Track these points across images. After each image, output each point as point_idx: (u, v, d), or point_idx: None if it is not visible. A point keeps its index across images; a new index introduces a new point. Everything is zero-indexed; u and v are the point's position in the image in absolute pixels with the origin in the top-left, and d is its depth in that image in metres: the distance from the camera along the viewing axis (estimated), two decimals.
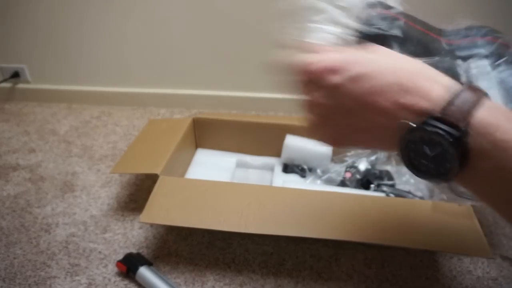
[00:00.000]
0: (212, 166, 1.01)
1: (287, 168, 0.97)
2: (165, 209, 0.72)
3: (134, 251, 0.79)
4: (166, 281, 0.69)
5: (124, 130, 1.24)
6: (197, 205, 0.73)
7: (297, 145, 0.95)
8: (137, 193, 0.96)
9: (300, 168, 0.96)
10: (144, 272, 0.71)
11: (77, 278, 0.74)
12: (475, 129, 0.27)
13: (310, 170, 0.95)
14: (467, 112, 0.27)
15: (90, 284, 0.73)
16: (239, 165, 1.03)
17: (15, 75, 1.36)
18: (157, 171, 0.79)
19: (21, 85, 1.40)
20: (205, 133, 1.04)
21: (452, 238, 0.67)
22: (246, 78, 1.29)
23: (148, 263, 0.73)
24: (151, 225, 0.86)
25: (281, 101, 1.31)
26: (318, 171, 0.94)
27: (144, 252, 0.79)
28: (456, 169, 0.28)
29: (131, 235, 0.83)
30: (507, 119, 0.27)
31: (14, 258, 0.78)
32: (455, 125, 0.27)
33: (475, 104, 0.27)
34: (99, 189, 0.97)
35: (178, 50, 1.25)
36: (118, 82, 1.36)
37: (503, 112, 0.27)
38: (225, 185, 0.81)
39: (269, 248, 0.80)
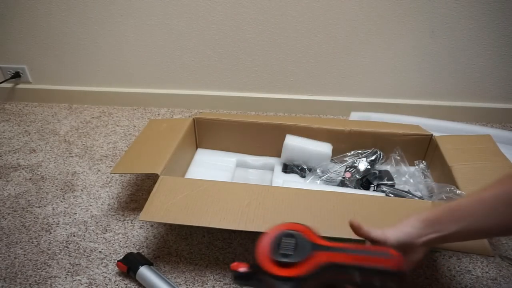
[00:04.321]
0: (212, 166, 1.01)
1: (287, 168, 0.97)
2: (165, 207, 0.72)
3: (134, 251, 0.79)
4: (166, 281, 0.70)
5: (125, 130, 1.24)
6: (196, 204, 0.73)
7: (297, 145, 0.95)
8: (138, 193, 0.96)
9: (300, 168, 0.96)
10: (145, 271, 0.71)
11: (78, 277, 0.74)
12: None
13: (310, 170, 0.96)
14: None
15: (90, 283, 0.73)
16: (239, 165, 1.03)
17: (16, 75, 1.37)
18: (157, 171, 0.80)
19: (22, 85, 1.40)
20: (206, 133, 1.04)
21: None
22: (246, 78, 1.29)
23: (149, 263, 0.74)
24: (152, 225, 0.86)
25: (281, 101, 1.31)
26: (318, 171, 0.94)
27: (145, 252, 0.79)
28: None
29: (131, 235, 0.84)
30: None
31: (15, 257, 0.79)
32: None
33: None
34: (99, 189, 0.97)
35: (179, 50, 1.26)
36: (118, 82, 1.36)
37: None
38: (225, 184, 0.81)
39: None
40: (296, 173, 0.96)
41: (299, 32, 1.17)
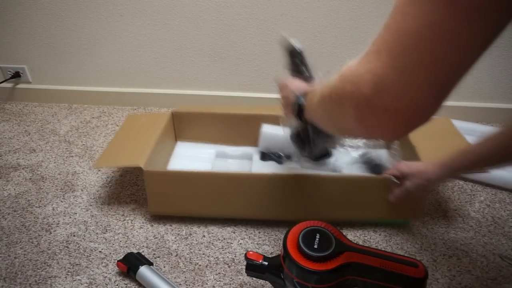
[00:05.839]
0: (192, 157, 1.03)
1: (265, 156, 1.00)
2: (167, 199, 0.83)
3: (134, 250, 0.79)
4: (166, 281, 0.70)
5: None
6: (192, 195, 0.83)
7: (273, 133, 0.99)
8: (138, 193, 0.96)
9: (276, 155, 0.99)
10: (145, 271, 0.71)
11: (78, 277, 0.74)
12: (306, 94, 0.59)
13: (287, 157, 0.99)
14: (305, 90, 0.61)
15: (90, 283, 0.73)
16: (219, 156, 1.05)
17: (16, 75, 1.37)
18: (140, 164, 0.81)
19: (22, 85, 1.40)
20: (185, 126, 1.06)
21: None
22: (245, 78, 1.29)
23: (149, 263, 0.74)
24: (152, 225, 0.86)
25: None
26: (294, 157, 0.98)
27: (145, 251, 0.79)
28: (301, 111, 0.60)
29: (131, 234, 0.84)
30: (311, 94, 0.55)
31: (15, 257, 0.79)
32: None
33: (306, 91, 0.60)
34: (99, 189, 0.97)
35: (178, 50, 1.26)
36: (118, 82, 1.36)
37: (313, 91, 0.55)
38: (208, 175, 0.85)
39: (269, 248, 0.80)
40: (274, 160, 0.99)
41: (299, 32, 1.17)
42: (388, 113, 0.34)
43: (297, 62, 0.80)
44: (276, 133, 0.98)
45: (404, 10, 0.31)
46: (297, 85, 0.67)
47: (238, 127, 1.04)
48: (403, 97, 0.32)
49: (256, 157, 1.01)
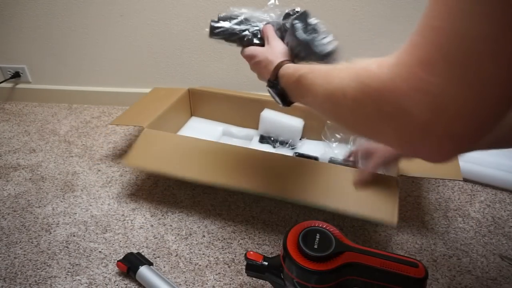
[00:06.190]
0: (200, 131, 1.10)
1: (263, 139, 1.08)
2: (149, 157, 0.88)
3: (134, 251, 0.79)
4: (166, 281, 0.70)
5: (125, 130, 1.24)
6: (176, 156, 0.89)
7: (272, 117, 1.04)
8: (138, 193, 0.96)
9: (272, 139, 1.05)
10: (145, 272, 0.71)
11: (78, 277, 0.74)
12: (279, 78, 0.59)
13: (282, 142, 1.05)
14: (275, 73, 0.60)
15: (90, 283, 0.73)
16: (225, 134, 1.13)
17: (16, 75, 1.37)
18: (144, 124, 0.94)
19: (21, 85, 1.40)
20: (200, 102, 1.17)
21: (366, 203, 0.77)
22: (245, 78, 1.29)
23: (149, 263, 0.74)
24: (152, 225, 0.86)
25: None
26: (288, 144, 1.05)
27: (144, 252, 0.79)
28: (284, 96, 0.59)
29: (131, 235, 0.84)
30: (286, 71, 0.57)
31: (15, 257, 0.79)
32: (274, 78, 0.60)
33: (280, 67, 0.59)
34: (99, 189, 0.97)
35: (179, 50, 1.26)
36: (118, 82, 1.36)
37: (288, 66, 0.57)
38: (199, 141, 0.91)
39: (269, 248, 0.80)
40: (270, 144, 1.06)
41: None
42: (449, 138, 0.28)
43: (232, 35, 0.80)
44: (275, 118, 1.04)
45: (472, 9, 0.24)
46: (265, 59, 0.66)
47: (247, 110, 1.11)
48: (472, 119, 0.26)
49: (256, 138, 1.08)
